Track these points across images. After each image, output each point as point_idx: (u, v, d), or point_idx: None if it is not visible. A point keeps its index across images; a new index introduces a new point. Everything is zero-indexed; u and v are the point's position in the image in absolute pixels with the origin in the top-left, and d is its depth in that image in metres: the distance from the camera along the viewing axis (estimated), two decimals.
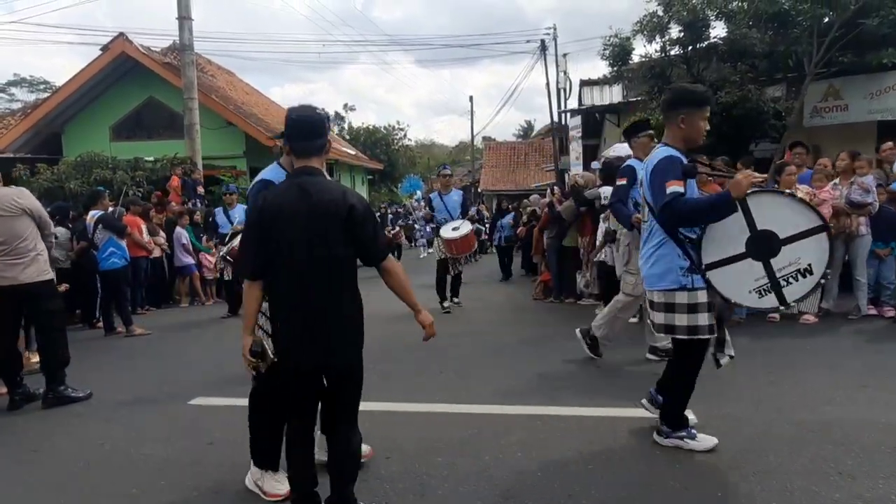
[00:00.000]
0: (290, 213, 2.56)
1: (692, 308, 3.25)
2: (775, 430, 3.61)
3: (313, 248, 2.54)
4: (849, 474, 3.05)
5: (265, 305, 2.73)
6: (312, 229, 2.55)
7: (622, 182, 5.08)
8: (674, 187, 3.08)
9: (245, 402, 3.24)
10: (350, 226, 2.57)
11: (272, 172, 3.08)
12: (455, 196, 8.61)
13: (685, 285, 3.24)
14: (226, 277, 8.25)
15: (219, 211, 9.08)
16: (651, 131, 5.29)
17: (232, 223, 7.83)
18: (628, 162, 5.20)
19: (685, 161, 3.21)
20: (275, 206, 2.58)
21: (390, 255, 2.78)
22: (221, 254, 7.57)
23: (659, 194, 3.14)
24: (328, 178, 2.78)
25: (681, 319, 3.27)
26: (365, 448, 3.21)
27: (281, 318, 2.61)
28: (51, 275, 4.76)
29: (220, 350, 6.37)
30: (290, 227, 2.55)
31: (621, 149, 7.03)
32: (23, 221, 4.57)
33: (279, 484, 3.06)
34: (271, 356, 2.67)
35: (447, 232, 8.10)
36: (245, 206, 6.54)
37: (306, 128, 2.73)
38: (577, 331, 5.37)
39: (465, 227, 8.11)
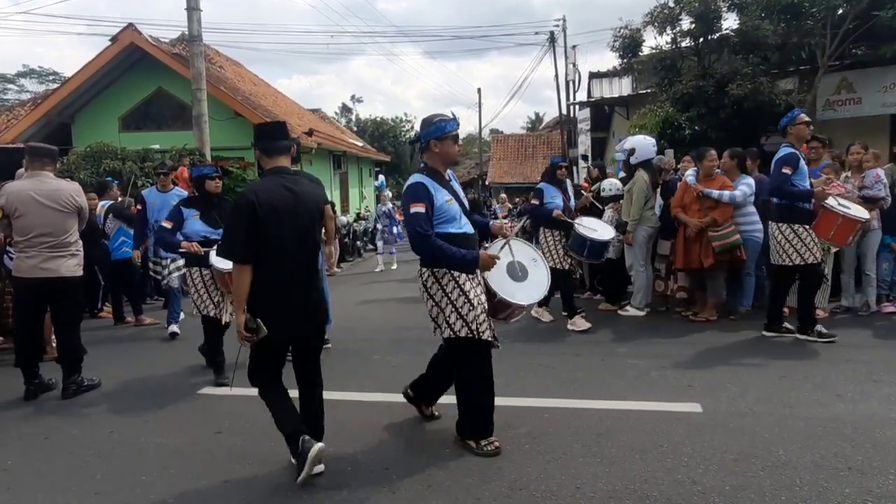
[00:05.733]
0: (282, 209, 3.01)
1: None
2: (785, 425, 3.59)
3: (302, 238, 3.08)
4: (859, 470, 3.03)
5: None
6: (301, 222, 3.08)
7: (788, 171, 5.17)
8: None
9: (250, 392, 3.26)
10: (321, 217, 3.24)
11: (147, 191, 4.13)
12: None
13: None
14: None
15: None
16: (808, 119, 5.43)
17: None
18: (793, 150, 5.23)
19: None
20: (267, 204, 2.98)
21: None
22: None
23: None
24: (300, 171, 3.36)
25: None
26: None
27: (275, 297, 3.03)
28: (82, 270, 4.82)
29: (229, 340, 6.39)
30: (284, 221, 3.01)
31: (633, 141, 7.00)
32: (72, 217, 4.66)
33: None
34: (264, 330, 2.99)
35: None
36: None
37: (270, 132, 3.28)
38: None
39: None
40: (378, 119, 40.79)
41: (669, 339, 5.75)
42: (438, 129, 3.34)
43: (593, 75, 17.11)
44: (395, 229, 13.23)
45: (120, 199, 8.16)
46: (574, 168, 19.96)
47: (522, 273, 3.57)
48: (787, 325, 5.56)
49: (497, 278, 3.46)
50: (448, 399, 4.27)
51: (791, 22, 9.58)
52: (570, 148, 22.04)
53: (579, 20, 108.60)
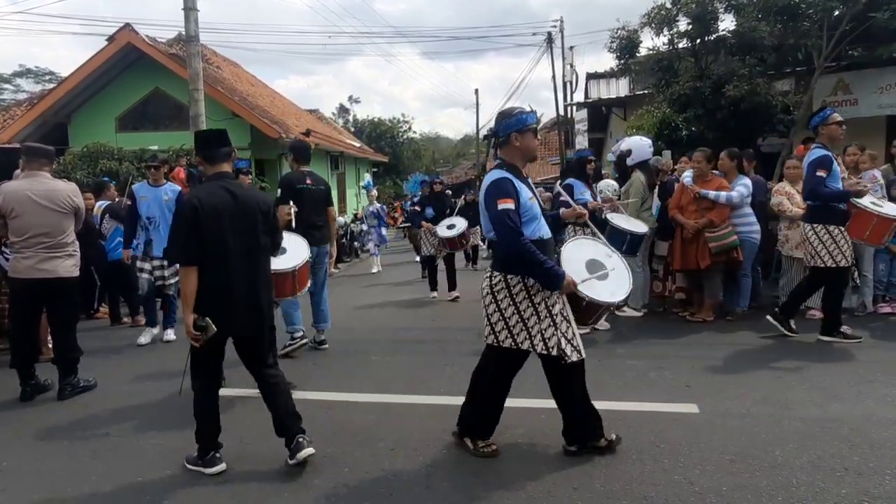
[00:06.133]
0: (224, 212, 3.18)
1: None
2: (782, 426, 3.60)
3: (244, 240, 3.23)
4: (855, 470, 3.04)
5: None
6: (243, 224, 3.23)
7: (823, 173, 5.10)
8: None
9: (249, 392, 3.26)
10: (267, 219, 3.35)
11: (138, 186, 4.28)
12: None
13: None
14: None
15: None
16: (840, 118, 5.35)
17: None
18: (826, 152, 5.16)
19: None
20: (209, 206, 3.15)
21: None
22: None
23: None
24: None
25: None
26: None
27: (219, 297, 3.16)
28: (79, 270, 4.80)
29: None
30: (225, 223, 3.17)
31: (630, 142, 7.00)
32: (70, 218, 4.66)
33: None
34: (213, 328, 3.12)
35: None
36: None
37: (213, 139, 3.40)
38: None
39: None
40: (376, 120, 40.69)
41: (667, 339, 5.76)
42: (519, 122, 3.17)
43: (591, 76, 17.12)
44: (383, 230, 13.03)
45: (117, 199, 8.14)
46: None
47: (601, 269, 3.40)
48: (845, 329, 5.38)
49: (584, 281, 3.27)
50: (448, 400, 4.28)
51: (787, 23, 9.58)
52: (567, 149, 22.05)
53: (577, 21, 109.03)
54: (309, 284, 5.15)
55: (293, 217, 5.14)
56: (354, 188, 23.21)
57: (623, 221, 6.05)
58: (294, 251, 4.73)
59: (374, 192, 13.62)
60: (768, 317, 5.59)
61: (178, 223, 3.25)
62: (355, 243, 16.78)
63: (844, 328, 5.37)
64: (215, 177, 3.32)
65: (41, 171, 4.61)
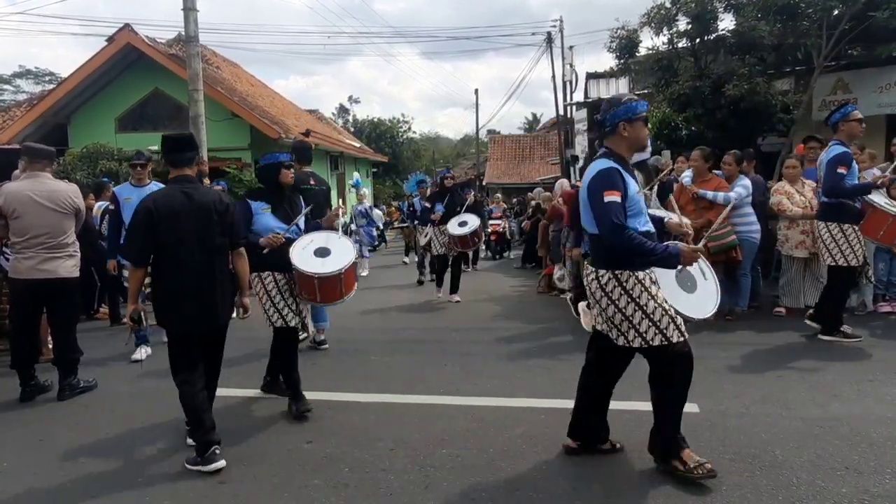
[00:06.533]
0: (179, 213, 3.31)
1: None
2: (782, 425, 3.60)
3: (199, 240, 3.35)
4: (855, 469, 3.04)
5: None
6: (196, 225, 3.34)
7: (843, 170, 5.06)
8: None
9: (249, 392, 3.26)
10: (224, 220, 3.45)
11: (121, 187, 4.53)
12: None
13: None
14: None
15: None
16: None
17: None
18: (845, 149, 5.10)
19: None
20: (165, 208, 3.31)
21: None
22: None
23: None
24: (200, 183, 3.66)
25: None
26: None
27: (175, 296, 3.35)
28: (78, 272, 4.80)
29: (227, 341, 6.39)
30: (181, 225, 3.30)
31: None
32: (70, 219, 4.68)
33: None
34: (145, 324, 3.52)
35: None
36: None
37: (179, 143, 3.53)
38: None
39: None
40: (375, 120, 40.77)
41: None
42: (629, 110, 3.00)
43: (590, 76, 17.09)
44: (373, 231, 12.71)
45: None
46: (571, 168, 19.98)
47: (692, 284, 3.22)
48: (845, 328, 5.38)
49: (668, 290, 3.09)
50: (447, 400, 4.28)
51: (787, 23, 9.59)
52: (566, 148, 22.05)
53: (576, 21, 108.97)
54: (355, 288, 4.42)
55: (339, 216, 4.72)
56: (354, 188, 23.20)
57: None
58: (339, 253, 4.24)
59: (364, 191, 12.92)
60: (822, 337, 5.40)
61: (134, 224, 3.40)
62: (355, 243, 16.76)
63: (845, 327, 5.37)
64: (175, 180, 3.47)
65: (43, 172, 4.62)
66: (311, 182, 5.63)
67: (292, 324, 4.13)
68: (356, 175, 14.27)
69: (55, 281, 4.56)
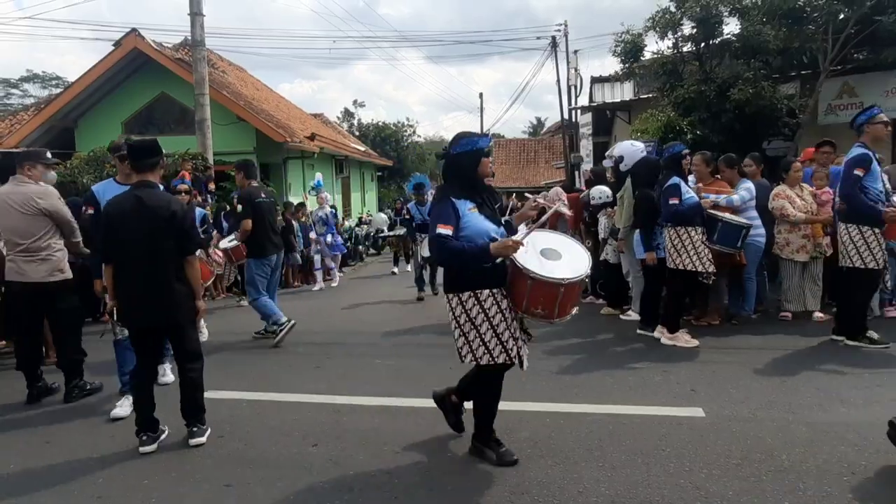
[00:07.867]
0: (129, 215, 3.57)
1: None
2: (788, 430, 3.58)
3: (146, 240, 3.57)
4: (862, 475, 3.01)
5: None
6: (144, 226, 3.57)
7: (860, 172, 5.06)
8: None
9: (255, 396, 3.26)
10: (172, 225, 3.60)
11: (103, 185, 4.47)
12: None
13: None
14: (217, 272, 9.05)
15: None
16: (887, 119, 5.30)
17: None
18: (866, 151, 5.09)
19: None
20: (116, 212, 3.61)
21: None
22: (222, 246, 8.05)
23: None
24: (161, 188, 3.82)
25: None
26: None
27: (126, 292, 3.67)
28: (65, 275, 4.70)
29: (228, 344, 6.41)
30: (130, 227, 3.57)
31: (621, 148, 6.97)
32: (39, 221, 4.55)
33: None
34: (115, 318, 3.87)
35: None
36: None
37: (144, 150, 3.74)
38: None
39: None
40: (380, 124, 40.74)
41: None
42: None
43: (595, 80, 17.08)
44: (336, 238, 11.44)
45: None
46: (576, 172, 19.96)
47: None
48: (871, 333, 5.29)
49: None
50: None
51: (792, 27, 9.58)
52: (571, 153, 22.05)
53: (581, 25, 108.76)
54: (575, 311, 3.38)
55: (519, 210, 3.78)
56: (359, 192, 23.26)
57: (731, 215, 5.89)
58: (566, 251, 3.41)
59: (325, 195, 11.35)
60: (847, 343, 5.33)
61: (97, 227, 3.84)
62: (360, 247, 16.69)
63: (871, 333, 5.30)
64: (135, 184, 3.72)
65: (24, 174, 4.61)
66: (263, 195, 6.49)
67: (523, 355, 3.24)
68: (318, 175, 12.34)
69: (30, 285, 4.52)
